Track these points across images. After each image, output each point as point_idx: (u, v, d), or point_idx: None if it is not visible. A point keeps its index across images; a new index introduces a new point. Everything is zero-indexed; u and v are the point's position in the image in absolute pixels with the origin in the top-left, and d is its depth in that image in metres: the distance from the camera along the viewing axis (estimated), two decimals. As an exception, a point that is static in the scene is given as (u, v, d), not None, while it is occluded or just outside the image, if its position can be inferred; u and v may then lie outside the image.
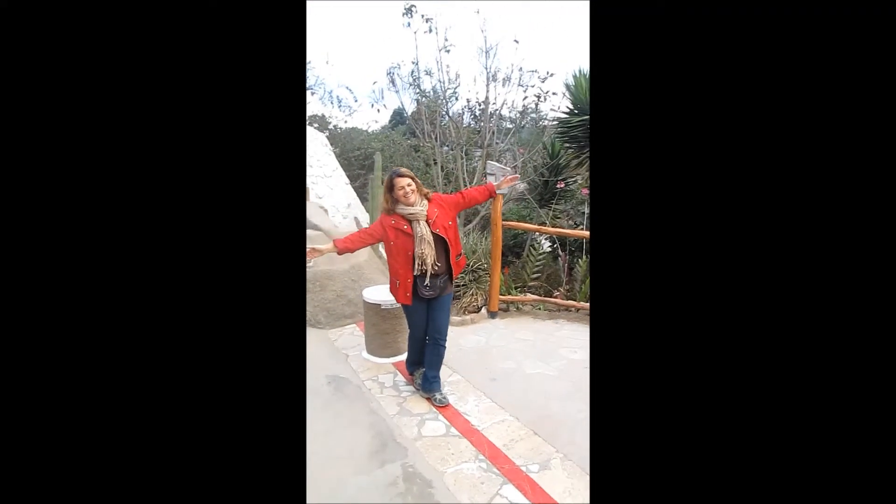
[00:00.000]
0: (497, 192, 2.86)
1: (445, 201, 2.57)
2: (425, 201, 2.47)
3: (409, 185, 2.41)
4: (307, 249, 2.30)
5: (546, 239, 4.93)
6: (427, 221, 2.44)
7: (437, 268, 2.45)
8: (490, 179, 3.75)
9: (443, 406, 2.57)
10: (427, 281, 2.45)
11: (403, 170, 2.49)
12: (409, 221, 2.43)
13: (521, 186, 6.21)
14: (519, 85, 6.58)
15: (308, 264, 2.35)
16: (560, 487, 1.95)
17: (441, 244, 2.47)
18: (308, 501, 1.77)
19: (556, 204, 5.18)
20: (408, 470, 2.04)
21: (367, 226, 3.19)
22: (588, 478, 1.99)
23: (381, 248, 5.67)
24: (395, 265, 2.47)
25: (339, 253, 2.46)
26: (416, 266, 2.42)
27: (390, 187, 2.44)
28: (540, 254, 4.40)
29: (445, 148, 7.29)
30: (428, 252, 2.42)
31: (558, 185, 4.80)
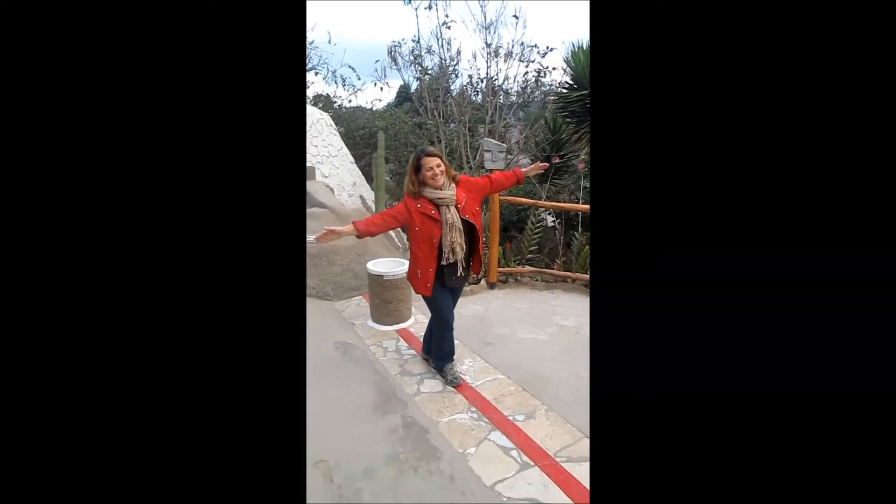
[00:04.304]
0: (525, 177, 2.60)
1: (473, 185, 2.36)
2: (453, 185, 2.27)
3: (438, 166, 2.20)
4: (325, 231, 2.18)
5: (548, 214, 5.08)
6: (456, 207, 2.25)
7: (464, 256, 2.30)
8: (486, 156, 3.90)
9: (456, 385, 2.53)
10: (458, 272, 2.32)
11: (432, 149, 2.27)
12: (437, 206, 2.23)
13: (524, 161, 6.33)
14: (520, 60, 6.63)
15: (316, 242, 2.36)
16: (542, 433, 2.18)
17: (469, 231, 2.30)
18: (320, 446, 2.03)
19: (556, 179, 5.31)
20: (407, 420, 2.29)
21: (371, 204, 3.18)
22: (568, 425, 2.22)
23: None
24: (418, 252, 2.29)
25: (360, 237, 2.24)
26: (446, 256, 2.26)
27: (417, 168, 2.22)
28: (537, 226, 4.57)
29: (452, 125, 7.37)
30: (458, 240, 2.25)
31: (553, 160, 4.93)
